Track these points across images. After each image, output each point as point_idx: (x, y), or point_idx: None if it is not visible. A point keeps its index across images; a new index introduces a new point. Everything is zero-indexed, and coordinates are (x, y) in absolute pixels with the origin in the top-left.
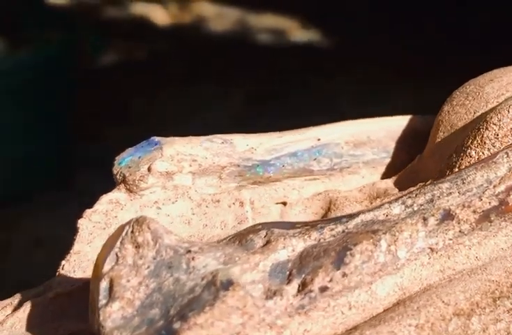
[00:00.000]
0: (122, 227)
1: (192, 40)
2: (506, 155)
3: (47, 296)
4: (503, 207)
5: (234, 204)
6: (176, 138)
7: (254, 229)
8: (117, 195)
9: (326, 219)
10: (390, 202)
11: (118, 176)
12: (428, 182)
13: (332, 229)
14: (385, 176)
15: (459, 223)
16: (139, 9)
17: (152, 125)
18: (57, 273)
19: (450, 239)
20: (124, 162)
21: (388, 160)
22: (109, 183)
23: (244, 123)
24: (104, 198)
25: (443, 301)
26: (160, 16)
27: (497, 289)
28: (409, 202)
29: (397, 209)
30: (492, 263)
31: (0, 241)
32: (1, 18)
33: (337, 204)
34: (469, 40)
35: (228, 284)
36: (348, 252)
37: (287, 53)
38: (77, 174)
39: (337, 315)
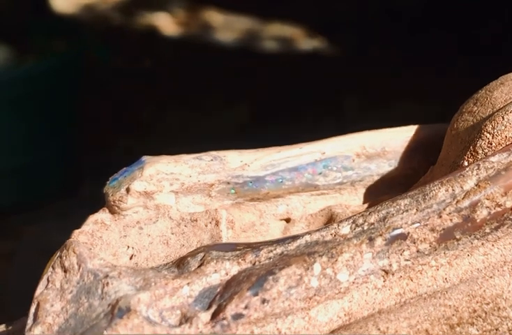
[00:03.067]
0: (56, 252)
1: (199, 49)
2: (476, 168)
3: None
4: (469, 224)
5: (210, 223)
6: (163, 157)
7: (194, 252)
8: (102, 215)
9: (272, 240)
10: (340, 221)
11: (105, 197)
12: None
13: (270, 251)
14: (401, 188)
15: (414, 243)
16: (147, 18)
17: (159, 135)
18: None
19: (407, 260)
20: (113, 182)
21: (405, 172)
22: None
23: (251, 132)
24: (91, 219)
25: (378, 329)
26: (167, 25)
27: (454, 315)
28: (360, 220)
29: (345, 229)
30: (458, 286)
31: (6, 250)
32: (8, 27)
33: (339, 219)
34: (479, 51)
35: (124, 311)
36: (270, 277)
37: (293, 61)
38: (84, 183)
39: None
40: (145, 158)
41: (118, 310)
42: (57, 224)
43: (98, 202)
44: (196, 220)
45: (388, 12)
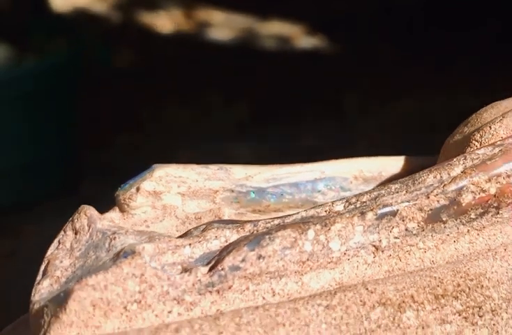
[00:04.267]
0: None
1: (198, 47)
2: (463, 158)
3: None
4: (455, 207)
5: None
6: (172, 164)
7: (198, 225)
8: (112, 214)
9: (270, 217)
10: (334, 201)
11: (115, 198)
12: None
13: (267, 223)
14: None
15: (403, 221)
16: (145, 17)
17: (159, 134)
18: None
19: (396, 238)
20: (125, 186)
21: None
22: (115, 191)
23: (251, 131)
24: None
25: (366, 289)
26: (166, 23)
27: (438, 286)
28: (353, 200)
29: (339, 206)
30: (444, 265)
31: (5, 249)
32: (8, 27)
33: None
34: (478, 50)
35: (129, 253)
36: (267, 236)
37: (292, 59)
38: (84, 182)
39: (258, 300)
40: (155, 165)
41: (123, 253)
42: (57, 223)
43: (97, 201)
44: (200, 218)
45: (387, 11)
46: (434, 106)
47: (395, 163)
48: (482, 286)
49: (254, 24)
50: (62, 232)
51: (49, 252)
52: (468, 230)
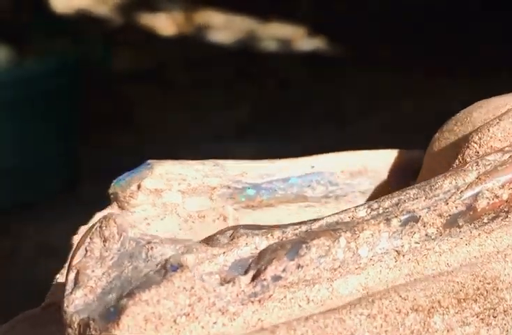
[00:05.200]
0: (93, 225)
1: (199, 49)
2: (475, 164)
3: (38, 308)
4: (471, 213)
5: (218, 219)
6: (168, 160)
7: (222, 231)
8: (111, 211)
9: (293, 223)
10: (356, 207)
11: (112, 196)
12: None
13: (295, 229)
14: None
15: (424, 226)
16: (146, 19)
17: (159, 135)
18: (51, 287)
19: (417, 243)
20: (119, 182)
21: (385, 190)
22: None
23: (251, 133)
24: (98, 215)
25: (400, 296)
26: (166, 25)
27: (461, 291)
28: (375, 205)
29: (362, 212)
30: (461, 268)
31: (5, 249)
32: (9, 28)
33: None
34: (479, 51)
35: (177, 267)
36: (304, 245)
37: (293, 61)
38: (84, 183)
39: (294, 308)
40: (151, 161)
41: (170, 266)
42: (56, 223)
43: (97, 201)
44: (204, 217)
45: (388, 13)
46: (433, 108)
47: (377, 157)
48: (497, 289)
49: (254, 26)
50: (88, 240)
51: (75, 260)
52: (479, 234)
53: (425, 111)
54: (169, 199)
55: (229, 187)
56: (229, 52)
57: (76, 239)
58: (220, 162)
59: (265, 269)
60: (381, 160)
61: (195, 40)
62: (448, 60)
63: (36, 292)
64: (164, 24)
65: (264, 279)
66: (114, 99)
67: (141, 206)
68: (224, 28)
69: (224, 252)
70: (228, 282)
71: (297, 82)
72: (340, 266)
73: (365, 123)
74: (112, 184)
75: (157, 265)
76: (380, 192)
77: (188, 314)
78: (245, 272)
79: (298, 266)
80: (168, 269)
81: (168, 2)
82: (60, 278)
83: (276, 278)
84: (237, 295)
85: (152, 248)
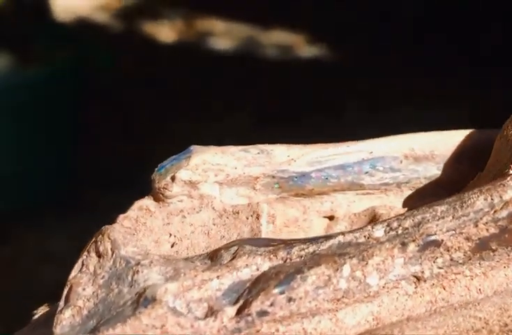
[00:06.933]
0: (93, 236)
1: (200, 56)
2: None
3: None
4: (506, 236)
5: (251, 216)
6: (211, 147)
7: (228, 245)
8: (148, 201)
9: (305, 238)
10: (375, 224)
11: (152, 183)
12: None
13: (302, 250)
14: (447, 193)
15: (448, 251)
16: (147, 26)
17: (160, 142)
18: None
19: (440, 268)
20: (161, 169)
21: (453, 177)
22: (117, 197)
23: (251, 139)
24: (136, 204)
25: None
26: (167, 32)
27: (484, 328)
28: (395, 224)
29: (379, 232)
30: (491, 298)
31: (6, 255)
32: (10, 35)
33: (382, 220)
34: (480, 58)
35: (149, 301)
36: (298, 276)
37: (294, 68)
38: (85, 190)
39: None
40: (193, 147)
41: (143, 300)
42: (57, 230)
43: (97, 208)
44: (238, 213)
45: (388, 20)
46: (434, 114)
47: (449, 140)
48: None
49: (255, 33)
50: (86, 253)
51: (72, 273)
52: None
53: (426, 116)
54: (205, 191)
55: (273, 177)
56: (229, 59)
57: (105, 228)
58: (267, 148)
59: (251, 302)
60: (450, 143)
61: (196, 47)
62: (450, 68)
63: (37, 300)
64: (165, 31)
65: (249, 314)
66: (114, 106)
67: (178, 197)
68: (224, 35)
69: (218, 277)
70: (211, 315)
71: (298, 89)
72: (343, 296)
73: (366, 130)
74: (156, 170)
75: (136, 294)
76: (448, 179)
77: None
78: (236, 301)
79: (290, 300)
80: (140, 303)
81: (169, 9)
82: None
83: (262, 314)
84: (218, 331)
85: (138, 271)
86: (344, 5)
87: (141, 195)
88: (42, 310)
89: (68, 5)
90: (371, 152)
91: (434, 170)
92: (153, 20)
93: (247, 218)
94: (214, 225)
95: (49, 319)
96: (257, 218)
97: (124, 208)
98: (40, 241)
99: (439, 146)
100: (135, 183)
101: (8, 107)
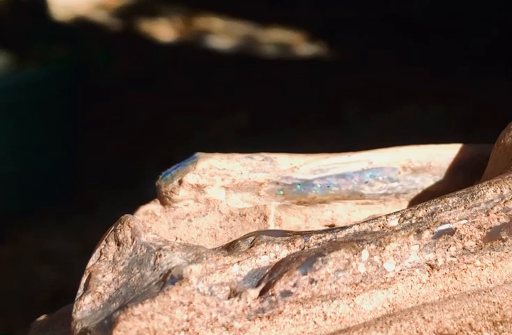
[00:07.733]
0: (110, 227)
1: (198, 55)
2: None
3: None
4: None
5: (258, 218)
6: (216, 153)
7: (245, 236)
8: (153, 206)
9: (321, 229)
10: (389, 214)
11: (157, 189)
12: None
13: (319, 238)
14: None
15: (461, 239)
16: (145, 24)
17: (159, 141)
18: None
19: (453, 256)
20: (166, 176)
21: (449, 188)
22: (117, 198)
23: (251, 139)
24: (142, 209)
25: (423, 317)
26: (165, 31)
27: (497, 312)
28: (408, 214)
29: (394, 221)
30: (502, 286)
31: (6, 255)
32: (9, 34)
33: None
34: (475, 57)
35: (176, 279)
36: (320, 259)
37: (293, 67)
38: (84, 189)
39: (309, 325)
40: (198, 153)
41: (170, 278)
42: (57, 230)
43: (96, 207)
44: (245, 215)
45: (388, 18)
46: (434, 113)
47: (445, 153)
48: None
49: (254, 31)
50: (104, 242)
51: (90, 263)
52: None
53: (426, 116)
54: (212, 195)
55: (277, 183)
56: (228, 57)
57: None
58: (271, 156)
59: (274, 283)
60: (447, 156)
61: (195, 45)
62: (450, 66)
63: (37, 299)
64: (164, 29)
65: (273, 294)
66: (113, 105)
67: (184, 201)
68: (223, 33)
69: (238, 262)
70: (235, 296)
71: (297, 87)
72: (362, 281)
73: (366, 130)
74: (160, 177)
75: (160, 275)
76: (445, 189)
77: (187, 329)
78: (258, 284)
79: (312, 281)
80: (167, 281)
81: (167, 7)
82: None
83: (286, 294)
84: (243, 310)
85: (161, 255)
86: (343, 3)
87: (140, 196)
88: (41, 319)
89: (66, 4)
90: (371, 162)
91: (430, 181)
92: (151, 19)
93: (255, 220)
94: (221, 227)
95: (51, 324)
96: (265, 219)
97: (124, 208)
98: (39, 241)
99: (435, 158)
100: (135, 183)
101: (5, 106)
